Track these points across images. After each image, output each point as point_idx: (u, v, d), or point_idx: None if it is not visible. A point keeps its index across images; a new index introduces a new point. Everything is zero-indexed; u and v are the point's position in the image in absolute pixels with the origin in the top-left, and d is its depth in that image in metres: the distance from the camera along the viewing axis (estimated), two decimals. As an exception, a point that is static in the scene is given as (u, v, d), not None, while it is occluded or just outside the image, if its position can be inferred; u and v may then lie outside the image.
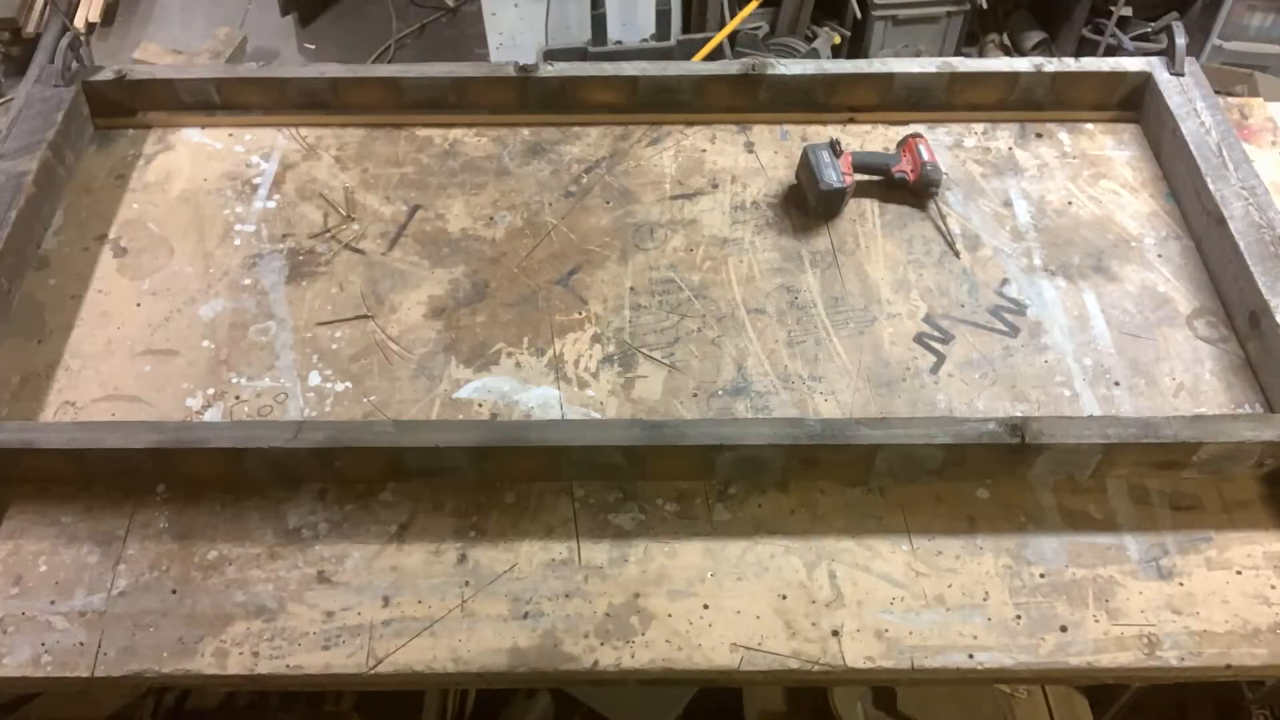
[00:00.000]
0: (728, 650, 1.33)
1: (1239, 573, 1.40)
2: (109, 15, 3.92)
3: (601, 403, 1.57)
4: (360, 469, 1.46)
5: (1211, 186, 1.75)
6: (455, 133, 1.98)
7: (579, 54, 3.42)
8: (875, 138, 1.97)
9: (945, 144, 1.96)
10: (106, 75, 1.94)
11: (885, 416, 1.52)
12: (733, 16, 3.48)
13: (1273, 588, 1.39)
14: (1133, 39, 3.58)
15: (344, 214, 1.84)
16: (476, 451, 1.43)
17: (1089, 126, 1.99)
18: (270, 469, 1.45)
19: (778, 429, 1.43)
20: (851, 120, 1.99)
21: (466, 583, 1.39)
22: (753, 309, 1.70)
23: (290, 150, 1.94)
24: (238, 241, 1.79)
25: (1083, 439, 1.42)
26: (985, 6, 3.61)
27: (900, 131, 1.93)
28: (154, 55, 3.53)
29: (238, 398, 1.57)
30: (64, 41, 1.94)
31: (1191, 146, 1.81)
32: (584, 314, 1.69)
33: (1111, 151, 1.95)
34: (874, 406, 1.57)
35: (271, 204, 1.85)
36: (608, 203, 1.86)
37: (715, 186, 1.89)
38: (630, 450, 1.43)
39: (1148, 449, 1.43)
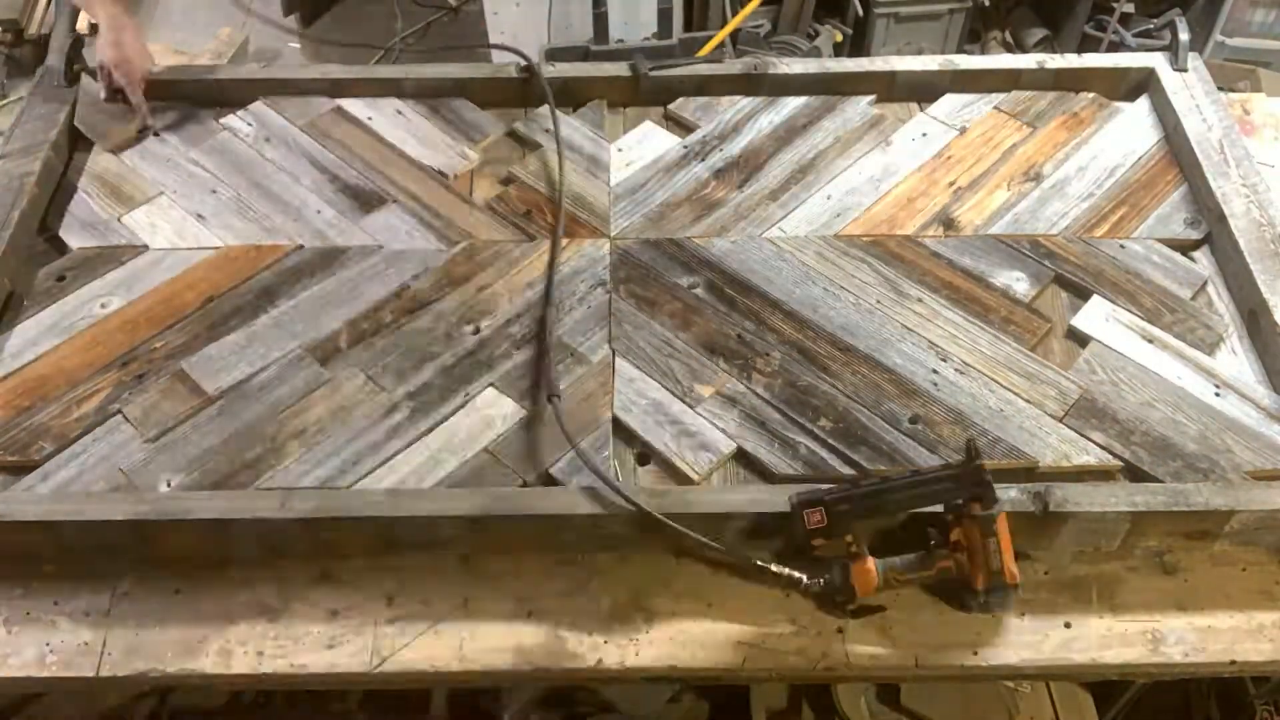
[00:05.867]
0: (732, 648, 1.33)
1: (1244, 570, 1.40)
2: (111, 16, 3.93)
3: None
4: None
5: (1213, 183, 1.74)
6: (457, 132, 1.98)
7: (581, 53, 3.42)
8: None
9: (947, 141, 1.95)
10: (109, 76, 1.94)
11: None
12: (734, 15, 3.47)
13: (1277, 583, 1.39)
14: (1135, 35, 3.57)
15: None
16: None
17: (1091, 123, 1.99)
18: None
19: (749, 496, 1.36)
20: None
21: (470, 582, 1.39)
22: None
23: (292, 150, 1.94)
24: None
25: (1109, 507, 1.34)
26: (987, 4, 3.61)
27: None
28: (156, 56, 3.52)
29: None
30: (67, 43, 1.94)
31: (1193, 143, 1.81)
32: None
33: (1114, 148, 1.94)
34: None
35: (274, 204, 1.85)
36: (610, 201, 1.86)
37: (717, 185, 1.89)
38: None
39: (1177, 518, 1.36)
